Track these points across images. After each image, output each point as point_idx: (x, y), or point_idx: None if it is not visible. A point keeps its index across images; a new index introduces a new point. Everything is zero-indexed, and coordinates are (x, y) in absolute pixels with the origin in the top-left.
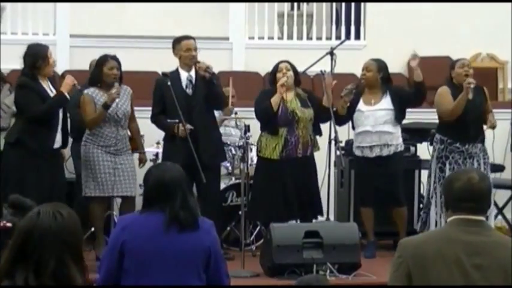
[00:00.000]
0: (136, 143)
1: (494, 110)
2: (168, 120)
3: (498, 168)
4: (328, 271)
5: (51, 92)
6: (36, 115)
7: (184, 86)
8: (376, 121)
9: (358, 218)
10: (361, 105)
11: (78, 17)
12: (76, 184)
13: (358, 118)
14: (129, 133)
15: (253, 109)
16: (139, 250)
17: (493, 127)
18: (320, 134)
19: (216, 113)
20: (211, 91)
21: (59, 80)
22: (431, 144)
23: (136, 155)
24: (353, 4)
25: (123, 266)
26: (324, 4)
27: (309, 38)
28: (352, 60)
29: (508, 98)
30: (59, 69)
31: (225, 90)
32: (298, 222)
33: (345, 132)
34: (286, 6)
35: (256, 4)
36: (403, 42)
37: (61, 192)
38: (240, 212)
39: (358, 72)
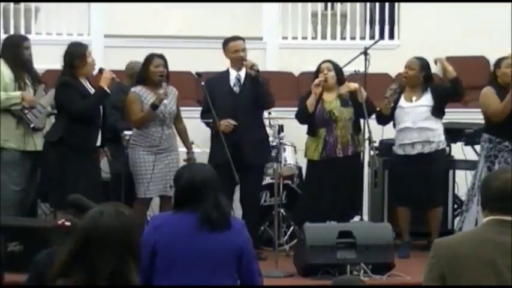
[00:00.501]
0: (184, 143)
1: None
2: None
3: None
4: (362, 271)
5: (91, 90)
6: (79, 112)
7: (232, 85)
8: (416, 117)
9: (391, 218)
10: (402, 102)
11: (112, 17)
12: (110, 184)
13: (398, 114)
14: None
15: (286, 109)
16: (172, 250)
17: None
18: (357, 133)
19: None
20: (256, 89)
21: (98, 77)
22: (466, 144)
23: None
24: (387, 4)
25: (155, 265)
26: (358, 4)
27: (343, 37)
28: (386, 60)
29: None
30: None
31: None
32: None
33: (378, 133)
34: (319, 6)
35: (289, 4)
36: (437, 42)
37: (100, 191)
38: (274, 212)
39: (392, 72)
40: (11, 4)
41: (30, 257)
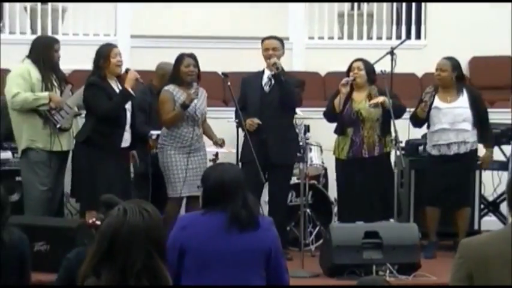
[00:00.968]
0: (211, 137)
1: None
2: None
3: None
4: (387, 271)
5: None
6: (103, 113)
7: (263, 84)
8: (454, 119)
9: (418, 218)
10: (438, 103)
11: (139, 17)
12: (134, 184)
13: (435, 115)
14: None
15: (312, 109)
16: (201, 250)
17: None
18: (384, 135)
19: None
20: (280, 88)
21: (124, 77)
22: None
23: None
24: (414, 4)
25: (184, 265)
26: (385, 4)
27: (369, 37)
28: (412, 60)
29: None
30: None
31: None
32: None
33: (404, 133)
34: (346, 6)
35: (316, 4)
36: (464, 42)
37: (129, 192)
38: (300, 212)
39: (419, 72)
40: (38, 4)
41: (56, 257)
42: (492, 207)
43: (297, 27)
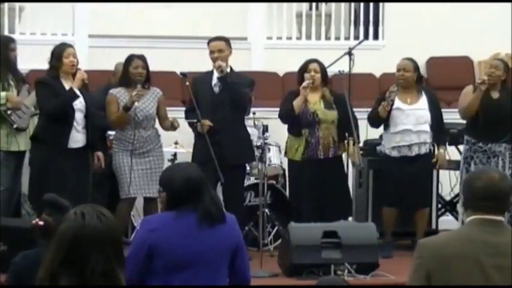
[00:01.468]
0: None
1: None
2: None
3: None
4: (346, 271)
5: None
6: (48, 111)
7: (213, 85)
8: (417, 120)
9: (376, 217)
10: (399, 104)
11: (97, 17)
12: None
13: (397, 116)
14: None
15: (271, 109)
16: (172, 251)
17: None
18: (339, 137)
19: None
20: (228, 90)
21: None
22: (450, 144)
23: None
24: (371, 4)
25: (151, 268)
26: (343, 4)
27: (327, 38)
28: (370, 60)
29: None
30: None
31: None
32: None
33: (363, 133)
34: (304, 6)
35: (274, 4)
36: (422, 42)
37: (84, 193)
38: (258, 212)
39: (377, 73)
40: None
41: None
42: (449, 206)
43: (255, 28)
